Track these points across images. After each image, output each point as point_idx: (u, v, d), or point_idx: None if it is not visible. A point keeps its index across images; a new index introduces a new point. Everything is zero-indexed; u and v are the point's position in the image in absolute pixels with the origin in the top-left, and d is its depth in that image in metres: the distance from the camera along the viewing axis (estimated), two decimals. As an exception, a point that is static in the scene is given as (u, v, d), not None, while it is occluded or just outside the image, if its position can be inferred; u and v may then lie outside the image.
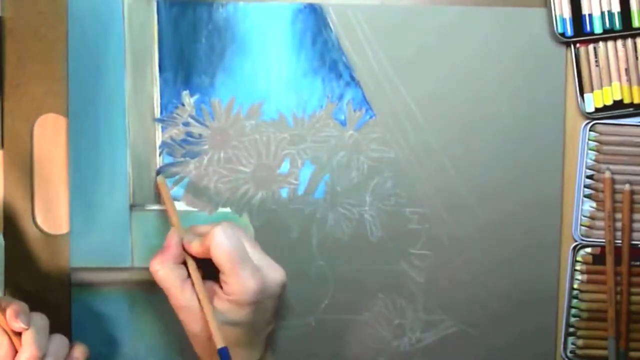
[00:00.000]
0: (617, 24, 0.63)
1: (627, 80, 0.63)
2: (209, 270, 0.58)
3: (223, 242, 0.55)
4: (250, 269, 0.55)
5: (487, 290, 0.65)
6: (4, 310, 0.52)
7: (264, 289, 0.56)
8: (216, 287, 0.57)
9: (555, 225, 0.65)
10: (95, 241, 0.63)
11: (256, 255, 0.57)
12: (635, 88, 0.63)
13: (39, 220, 0.63)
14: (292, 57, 0.63)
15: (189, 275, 0.57)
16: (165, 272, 0.56)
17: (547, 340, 0.65)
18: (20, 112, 0.63)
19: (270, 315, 0.58)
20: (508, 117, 0.64)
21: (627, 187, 0.63)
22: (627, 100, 0.63)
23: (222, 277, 0.56)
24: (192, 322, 0.56)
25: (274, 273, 0.57)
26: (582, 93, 0.64)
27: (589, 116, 0.64)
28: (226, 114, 0.63)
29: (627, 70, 0.63)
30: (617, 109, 0.64)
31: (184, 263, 0.58)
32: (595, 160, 0.64)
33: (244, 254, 0.56)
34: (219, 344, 0.54)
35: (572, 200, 0.65)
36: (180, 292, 0.56)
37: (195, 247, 0.57)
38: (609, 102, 0.64)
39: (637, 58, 0.63)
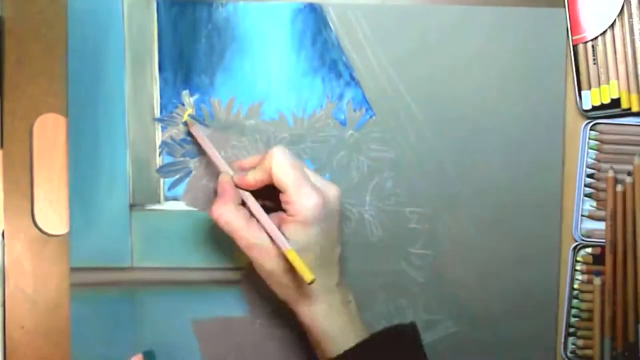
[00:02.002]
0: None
1: (626, 85, 0.63)
2: (267, 204, 0.58)
3: (284, 160, 0.55)
4: (310, 184, 0.55)
5: (487, 290, 0.65)
6: None
7: (325, 203, 0.55)
8: (280, 215, 0.57)
9: (555, 225, 0.65)
10: (95, 241, 0.63)
11: (310, 174, 0.57)
12: (633, 96, 0.63)
13: (38, 220, 0.63)
14: (292, 57, 0.63)
15: (251, 214, 0.57)
16: (229, 214, 0.56)
17: (547, 340, 0.65)
18: (20, 111, 0.63)
19: (335, 236, 0.57)
20: (508, 117, 0.64)
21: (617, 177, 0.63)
22: (625, 106, 0.63)
23: (284, 198, 0.55)
24: (265, 259, 0.55)
25: (330, 189, 0.57)
26: (579, 90, 0.64)
27: (586, 114, 0.64)
28: (226, 114, 0.63)
29: (626, 72, 0.63)
30: (615, 107, 0.64)
31: (242, 204, 0.57)
32: (595, 160, 0.64)
33: (303, 171, 0.56)
34: (309, 278, 0.52)
35: (572, 200, 0.65)
36: (247, 231, 0.55)
37: (252, 177, 0.56)
38: (607, 101, 0.64)
39: (635, 57, 0.63)
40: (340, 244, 0.58)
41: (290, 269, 0.55)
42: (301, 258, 0.53)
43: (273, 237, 0.55)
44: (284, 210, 0.56)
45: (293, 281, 0.56)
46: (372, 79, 0.63)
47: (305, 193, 0.55)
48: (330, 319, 0.56)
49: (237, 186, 0.57)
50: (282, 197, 0.56)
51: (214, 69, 0.63)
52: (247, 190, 0.57)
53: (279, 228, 0.55)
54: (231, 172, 0.58)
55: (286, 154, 0.56)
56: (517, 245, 0.65)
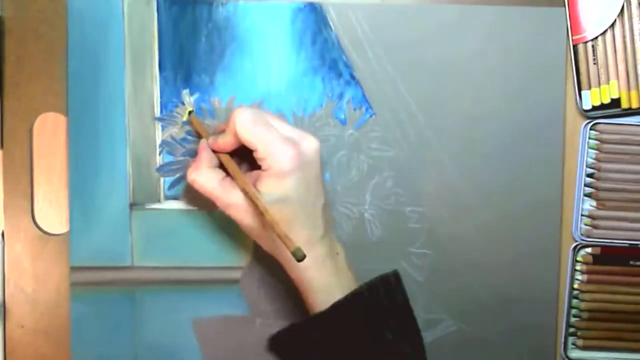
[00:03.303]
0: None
1: (626, 84, 0.63)
2: (246, 166, 0.59)
3: (246, 119, 0.55)
4: (280, 138, 0.55)
5: (487, 290, 0.65)
6: None
7: (299, 154, 0.55)
8: (255, 173, 0.57)
9: (555, 225, 0.65)
10: (95, 240, 0.63)
11: (284, 127, 0.57)
12: (633, 93, 0.63)
13: (38, 219, 0.63)
14: (292, 56, 0.63)
15: (227, 174, 0.58)
16: (202, 177, 0.57)
17: (547, 340, 0.65)
18: (20, 111, 0.63)
19: (315, 187, 0.57)
20: (508, 116, 0.64)
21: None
22: (625, 105, 0.63)
23: (257, 155, 0.55)
24: (243, 217, 0.56)
25: (307, 140, 0.57)
26: (579, 90, 0.64)
27: (586, 114, 0.64)
28: (226, 113, 0.63)
29: (627, 72, 0.63)
30: (615, 107, 0.64)
31: (220, 166, 0.58)
32: (595, 160, 0.64)
33: (269, 125, 0.56)
34: (291, 246, 0.52)
35: (572, 200, 0.65)
36: (222, 191, 0.56)
37: (222, 140, 0.57)
38: (607, 101, 0.64)
39: (635, 57, 0.63)
40: (325, 195, 0.58)
41: (268, 223, 0.55)
42: (272, 209, 0.54)
43: (254, 200, 0.55)
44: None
45: (273, 235, 0.55)
46: (372, 78, 0.63)
47: (275, 146, 0.55)
48: (315, 271, 0.56)
49: (212, 150, 0.58)
50: (254, 154, 0.56)
51: (214, 68, 0.63)
52: (224, 153, 0.58)
53: (255, 185, 0.55)
54: (208, 139, 0.59)
55: (248, 111, 0.56)
56: (517, 244, 0.65)
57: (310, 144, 0.56)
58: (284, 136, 0.55)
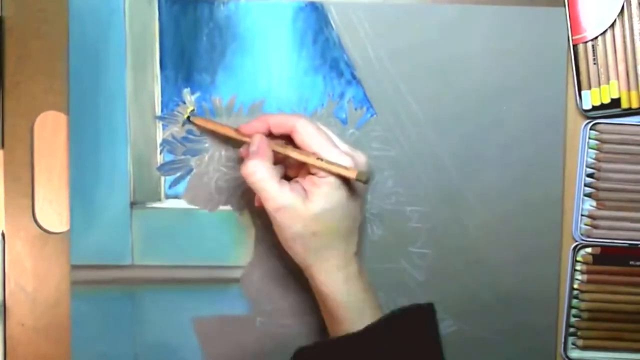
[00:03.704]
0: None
1: (626, 84, 0.63)
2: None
3: (308, 125, 0.55)
4: (337, 147, 0.55)
5: (487, 290, 0.65)
6: None
7: (354, 165, 0.55)
8: (309, 178, 0.56)
9: (555, 224, 0.65)
10: (96, 239, 0.63)
11: (337, 140, 0.57)
12: (633, 93, 0.63)
13: (39, 218, 0.63)
14: (293, 55, 0.63)
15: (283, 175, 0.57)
16: (263, 171, 0.54)
17: (547, 340, 0.65)
18: (21, 109, 0.63)
19: (361, 202, 0.58)
20: (508, 116, 0.64)
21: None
22: (625, 105, 0.64)
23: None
24: (294, 221, 0.54)
25: (358, 154, 0.57)
26: (579, 90, 0.64)
27: (586, 114, 0.64)
28: (227, 112, 0.63)
29: (627, 72, 0.63)
30: (615, 107, 0.64)
31: (275, 163, 0.57)
32: (595, 160, 0.64)
33: (330, 136, 0.56)
34: (354, 173, 0.53)
35: (572, 200, 0.65)
36: (279, 192, 0.54)
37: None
38: (607, 100, 0.64)
39: (635, 57, 0.63)
40: (363, 214, 0.58)
41: (316, 232, 0.54)
42: (324, 236, 0.54)
43: (330, 163, 0.54)
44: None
45: (317, 245, 0.55)
46: (373, 77, 0.63)
47: (335, 155, 0.54)
48: (347, 287, 0.56)
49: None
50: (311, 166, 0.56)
51: (215, 67, 0.63)
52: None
53: (307, 192, 0.55)
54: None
55: (309, 121, 0.56)
56: (517, 244, 0.65)
57: (362, 159, 0.57)
58: (340, 147, 0.56)
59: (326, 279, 0.56)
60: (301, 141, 0.55)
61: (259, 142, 0.56)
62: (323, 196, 0.54)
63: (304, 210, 0.54)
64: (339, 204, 0.55)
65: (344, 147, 0.57)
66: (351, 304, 0.56)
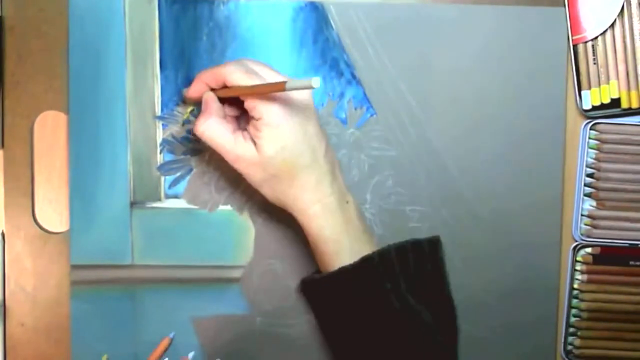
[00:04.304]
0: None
1: (626, 84, 0.63)
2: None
3: (237, 72, 0.55)
4: (270, 73, 0.56)
5: (487, 289, 0.65)
6: None
7: (286, 100, 0.54)
8: (252, 125, 0.55)
9: (555, 224, 0.65)
10: (96, 239, 0.63)
11: (271, 74, 0.56)
12: (633, 93, 0.63)
13: (39, 218, 0.63)
14: (293, 55, 0.63)
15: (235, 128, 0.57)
16: (212, 128, 0.56)
17: (548, 340, 0.65)
18: (21, 109, 0.63)
19: (314, 132, 0.56)
20: (509, 116, 0.64)
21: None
22: (625, 105, 0.64)
23: (247, 105, 0.55)
24: (254, 170, 0.56)
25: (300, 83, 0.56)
26: (579, 90, 0.64)
27: (586, 114, 0.64)
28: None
29: (627, 72, 0.63)
30: (615, 107, 0.64)
31: (224, 117, 0.57)
32: (595, 159, 0.64)
33: (260, 76, 0.55)
34: (282, 86, 0.51)
35: (572, 200, 0.65)
36: (233, 144, 0.55)
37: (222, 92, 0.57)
38: (607, 100, 0.64)
39: (635, 57, 0.63)
40: (326, 143, 0.57)
41: (276, 174, 0.55)
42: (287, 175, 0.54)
43: (266, 83, 0.54)
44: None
45: (284, 186, 0.56)
46: (373, 77, 0.63)
47: (268, 80, 0.55)
48: (325, 220, 0.56)
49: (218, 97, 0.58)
50: (245, 105, 0.55)
51: (215, 67, 0.63)
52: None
53: (254, 137, 0.55)
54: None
55: (236, 67, 0.55)
56: (517, 244, 0.65)
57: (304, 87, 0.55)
58: (271, 73, 0.56)
59: (302, 216, 0.56)
60: (235, 78, 0.56)
61: (206, 100, 0.58)
62: (268, 138, 0.54)
63: (257, 156, 0.55)
64: (289, 140, 0.54)
65: (279, 78, 0.56)
66: (330, 237, 0.56)
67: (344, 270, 0.56)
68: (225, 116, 0.58)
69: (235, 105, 0.59)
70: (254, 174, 0.56)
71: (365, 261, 0.56)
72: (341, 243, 0.56)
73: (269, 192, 0.57)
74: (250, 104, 0.55)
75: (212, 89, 0.58)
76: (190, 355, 0.63)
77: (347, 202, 0.58)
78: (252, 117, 0.55)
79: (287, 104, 0.54)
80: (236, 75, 0.55)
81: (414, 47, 0.64)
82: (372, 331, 0.56)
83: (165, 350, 0.63)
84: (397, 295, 0.55)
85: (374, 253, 0.56)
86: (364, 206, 0.64)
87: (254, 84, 0.54)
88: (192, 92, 0.59)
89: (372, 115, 0.64)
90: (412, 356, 0.56)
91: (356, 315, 0.56)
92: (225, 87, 0.57)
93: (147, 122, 0.63)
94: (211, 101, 0.57)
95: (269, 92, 0.53)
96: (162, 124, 0.63)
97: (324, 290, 0.58)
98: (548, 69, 0.64)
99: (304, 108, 0.56)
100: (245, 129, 0.57)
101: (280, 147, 0.54)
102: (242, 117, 0.60)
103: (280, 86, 0.51)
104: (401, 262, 0.56)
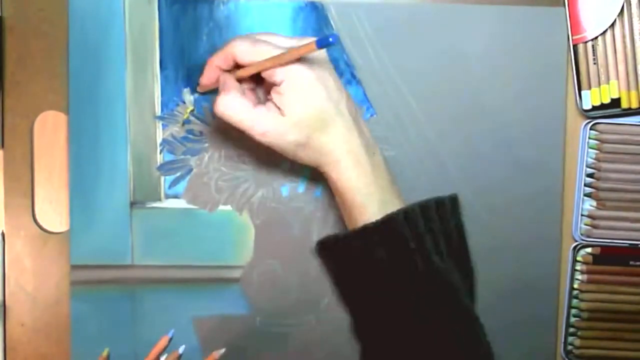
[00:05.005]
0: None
1: (626, 84, 0.63)
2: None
3: (243, 46, 0.55)
4: (279, 49, 0.54)
5: (487, 289, 0.65)
6: None
7: (305, 61, 0.54)
8: (275, 92, 0.55)
9: (555, 224, 0.65)
10: (96, 239, 0.63)
11: (281, 39, 0.56)
12: (633, 93, 0.63)
13: (39, 218, 0.63)
14: (293, 55, 0.63)
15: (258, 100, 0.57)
16: (233, 104, 0.54)
17: (548, 340, 0.65)
18: (21, 109, 0.63)
19: (334, 87, 0.56)
20: (508, 116, 0.64)
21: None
22: (625, 105, 0.64)
23: (266, 75, 0.55)
24: (283, 138, 0.55)
25: (305, 39, 0.55)
26: (579, 90, 0.64)
27: (586, 114, 0.64)
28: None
29: (627, 72, 0.63)
30: (615, 107, 0.64)
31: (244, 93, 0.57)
32: (595, 159, 0.64)
33: (267, 43, 0.55)
34: (312, 46, 0.51)
35: (572, 200, 0.65)
36: (256, 118, 0.54)
37: (239, 73, 0.56)
38: (607, 100, 0.64)
39: (635, 57, 0.63)
40: (346, 95, 0.57)
41: (309, 134, 0.54)
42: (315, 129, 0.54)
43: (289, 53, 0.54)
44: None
45: (317, 143, 0.55)
46: (373, 77, 0.63)
47: (283, 49, 0.54)
48: (353, 171, 0.55)
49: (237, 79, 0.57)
50: (263, 74, 0.55)
51: (215, 67, 0.63)
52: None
53: (279, 105, 0.54)
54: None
55: (244, 40, 0.55)
56: (517, 244, 0.65)
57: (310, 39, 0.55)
58: (283, 49, 0.55)
59: (335, 167, 0.56)
60: (247, 62, 0.55)
61: (224, 79, 0.56)
62: (293, 100, 0.54)
63: (285, 124, 0.54)
64: (313, 97, 0.54)
65: (290, 41, 0.56)
66: (359, 188, 0.56)
67: (366, 228, 0.55)
68: (244, 92, 0.57)
69: (250, 79, 0.58)
70: (284, 142, 0.55)
71: (389, 219, 0.54)
72: (370, 193, 0.55)
73: (303, 155, 0.56)
74: (268, 70, 0.54)
75: (229, 72, 0.57)
76: (181, 349, 0.63)
77: (374, 154, 0.57)
78: (274, 83, 0.54)
79: (305, 62, 0.54)
80: (242, 48, 0.55)
81: (414, 47, 0.64)
82: (395, 295, 0.55)
83: (164, 349, 0.63)
84: (422, 256, 0.54)
85: (398, 211, 0.55)
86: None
87: (261, 53, 0.54)
88: (206, 79, 0.59)
89: (372, 116, 0.64)
90: (438, 322, 0.54)
91: (379, 278, 0.55)
92: (238, 66, 0.56)
93: (147, 122, 0.63)
94: (228, 79, 0.56)
95: (300, 55, 0.53)
96: (162, 124, 0.63)
97: (345, 250, 0.57)
98: (548, 69, 0.64)
99: (321, 63, 0.56)
100: (265, 101, 0.56)
101: (306, 105, 0.54)
102: (260, 90, 0.59)
103: (311, 46, 0.51)
104: (425, 221, 0.56)
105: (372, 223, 0.54)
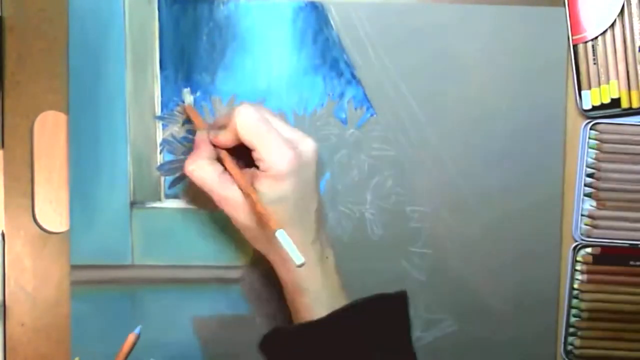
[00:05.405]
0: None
1: (626, 84, 0.63)
2: (243, 162, 0.58)
3: (247, 117, 0.55)
4: (279, 138, 0.55)
5: (487, 289, 0.65)
6: None
7: (297, 155, 0.55)
8: (253, 171, 0.56)
9: (555, 224, 0.65)
10: (96, 239, 0.63)
11: (283, 127, 0.56)
12: (633, 92, 0.63)
13: (39, 218, 0.63)
14: (293, 55, 0.63)
15: (225, 169, 0.57)
16: (201, 169, 0.56)
17: (548, 340, 0.65)
18: (21, 109, 0.63)
19: (312, 190, 0.57)
20: (509, 116, 0.64)
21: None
22: (625, 105, 0.64)
23: (255, 155, 0.55)
24: (238, 213, 0.56)
25: (305, 144, 0.56)
26: (579, 90, 0.64)
27: (586, 114, 0.64)
28: (228, 112, 0.63)
29: (627, 72, 0.63)
30: (615, 107, 0.64)
31: (218, 160, 0.57)
32: (595, 159, 0.64)
33: (270, 126, 0.55)
34: (275, 226, 0.52)
35: (572, 200, 0.65)
36: (219, 186, 0.56)
37: (223, 136, 0.56)
38: (607, 100, 0.64)
39: (635, 57, 0.63)
40: (318, 199, 0.57)
41: (263, 224, 0.55)
42: (289, 239, 0.52)
43: (245, 191, 0.55)
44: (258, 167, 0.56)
45: (263, 235, 0.56)
46: (373, 77, 0.63)
47: (275, 147, 0.54)
48: (305, 274, 0.56)
49: (212, 144, 0.57)
50: (253, 154, 0.55)
51: (215, 67, 0.63)
52: (223, 149, 0.57)
53: (253, 184, 0.55)
54: (208, 131, 0.58)
55: (251, 109, 0.55)
56: (517, 244, 0.65)
57: (308, 147, 0.56)
58: (283, 137, 0.55)
59: (281, 267, 0.57)
60: (243, 138, 0.55)
61: (199, 140, 0.58)
62: (268, 189, 0.54)
63: (243, 201, 0.55)
64: (283, 195, 0.54)
65: (290, 133, 0.56)
66: (309, 291, 0.56)
67: (311, 324, 0.55)
68: (216, 157, 0.57)
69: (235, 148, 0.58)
70: (239, 217, 0.56)
71: (333, 315, 0.55)
72: (318, 297, 0.56)
73: (252, 238, 0.57)
74: (256, 155, 0.55)
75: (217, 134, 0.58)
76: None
77: (327, 257, 0.58)
78: (258, 167, 0.55)
79: (297, 160, 0.54)
80: (245, 120, 0.55)
81: (414, 47, 0.64)
82: None
83: (132, 346, 0.63)
84: (362, 351, 0.55)
85: (341, 308, 0.55)
86: (364, 206, 0.64)
87: (259, 134, 0.54)
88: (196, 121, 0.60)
89: (372, 116, 0.64)
90: None
91: None
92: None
93: (146, 122, 0.63)
94: (202, 142, 0.58)
95: (256, 210, 0.54)
96: (162, 124, 0.63)
97: (289, 344, 0.57)
98: (548, 69, 0.64)
99: (310, 164, 0.56)
100: (242, 167, 0.57)
101: (277, 198, 0.54)
102: (241, 157, 0.59)
103: (272, 224, 0.52)
104: (369, 317, 0.56)
105: (315, 320, 0.55)
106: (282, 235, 0.52)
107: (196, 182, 0.56)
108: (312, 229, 0.57)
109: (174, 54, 0.63)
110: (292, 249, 0.51)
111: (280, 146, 0.54)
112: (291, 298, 0.57)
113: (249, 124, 0.55)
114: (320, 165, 0.60)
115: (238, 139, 0.55)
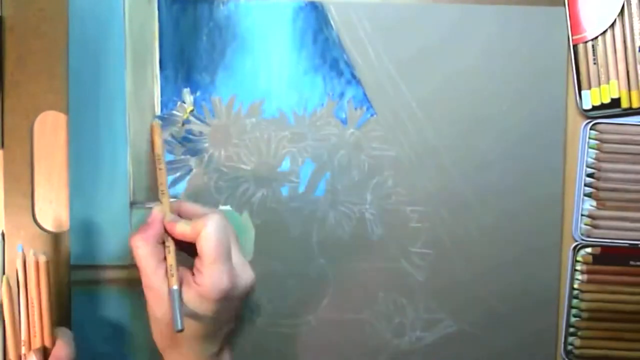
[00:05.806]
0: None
1: (626, 84, 0.63)
2: (185, 253, 0.59)
3: (214, 234, 0.55)
4: (227, 267, 0.56)
5: (487, 290, 0.65)
6: None
7: (233, 289, 0.56)
8: (188, 275, 0.57)
9: (555, 224, 0.65)
10: (96, 239, 0.63)
11: (235, 254, 0.58)
12: (633, 92, 0.63)
13: (38, 218, 0.63)
14: (293, 55, 0.63)
15: (165, 257, 0.57)
16: (145, 250, 0.56)
17: (548, 340, 0.65)
18: (21, 109, 0.63)
19: (232, 315, 0.59)
20: (509, 116, 0.64)
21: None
22: (625, 105, 0.64)
23: (198, 265, 0.56)
24: (157, 305, 0.56)
25: (245, 276, 0.58)
26: (579, 90, 0.64)
27: (587, 114, 0.64)
28: (227, 112, 0.63)
29: (627, 72, 0.63)
30: (615, 107, 0.64)
31: (163, 242, 0.58)
32: (595, 159, 0.64)
33: (229, 251, 0.56)
34: (173, 284, 0.54)
35: (572, 200, 0.65)
36: (153, 273, 0.56)
37: (181, 230, 0.57)
38: (607, 100, 0.64)
39: (635, 57, 0.63)
40: (235, 321, 0.60)
41: (181, 342, 0.57)
42: (180, 303, 0.54)
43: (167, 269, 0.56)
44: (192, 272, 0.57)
45: (171, 337, 0.57)
46: (373, 77, 0.63)
47: (219, 272, 0.55)
48: None
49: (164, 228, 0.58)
50: (197, 260, 0.56)
51: (215, 67, 0.63)
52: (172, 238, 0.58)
53: (181, 284, 0.56)
54: (167, 210, 0.58)
55: (221, 226, 0.56)
56: (517, 244, 0.65)
57: (246, 280, 0.58)
58: (231, 266, 0.56)
59: None
60: (198, 245, 0.56)
61: (153, 219, 0.58)
62: (190, 301, 0.55)
63: (165, 298, 0.56)
64: (204, 315, 0.56)
65: (240, 263, 0.58)
66: None
67: None
68: (162, 242, 0.58)
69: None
70: (156, 309, 0.57)
71: None
72: None
73: (156, 332, 0.58)
74: (199, 266, 0.56)
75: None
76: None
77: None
78: (194, 276, 0.56)
79: (230, 293, 0.56)
80: (211, 230, 0.56)
81: (414, 47, 0.64)
82: None
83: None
84: None
85: None
86: (364, 206, 0.64)
87: (215, 250, 0.55)
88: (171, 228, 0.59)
89: (372, 116, 0.64)
90: None
91: None
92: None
93: (146, 122, 0.63)
94: (156, 222, 0.58)
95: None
96: (162, 124, 0.63)
97: None
98: (548, 69, 0.64)
99: (242, 296, 0.58)
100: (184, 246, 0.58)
101: (196, 313, 0.55)
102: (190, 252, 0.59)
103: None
104: None
105: None
106: (175, 294, 0.54)
107: (135, 257, 0.57)
108: (218, 344, 0.58)
109: (173, 54, 0.63)
110: (177, 313, 0.53)
111: (222, 276, 0.55)
112: None
113: (214, 239, 0.55)
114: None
115: (192, 239, 0.56)
